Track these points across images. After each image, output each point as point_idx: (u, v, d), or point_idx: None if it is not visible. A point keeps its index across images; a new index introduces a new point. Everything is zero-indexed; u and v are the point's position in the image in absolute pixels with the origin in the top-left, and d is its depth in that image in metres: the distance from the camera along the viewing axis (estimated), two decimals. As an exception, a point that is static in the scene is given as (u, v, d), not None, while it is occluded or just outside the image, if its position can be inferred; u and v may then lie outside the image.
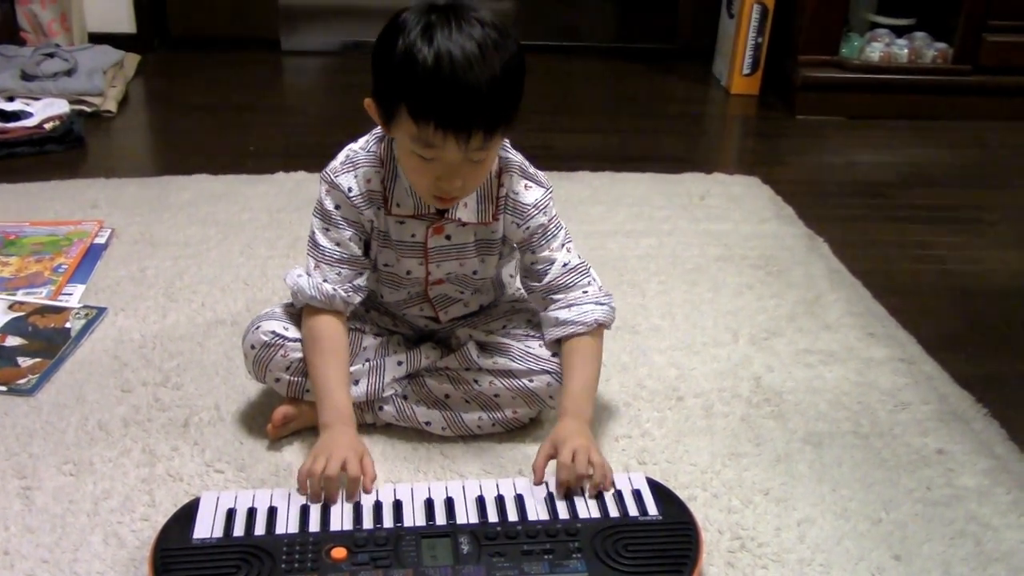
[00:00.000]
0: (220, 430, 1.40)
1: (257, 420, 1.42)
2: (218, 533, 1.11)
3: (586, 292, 1.36)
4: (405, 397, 1.39)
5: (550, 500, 1.18)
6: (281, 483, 1.29)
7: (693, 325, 1.75)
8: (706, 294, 1.86)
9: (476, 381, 1.37)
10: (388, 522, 1.14)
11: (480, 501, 1.17)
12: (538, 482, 1.21)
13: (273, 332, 1.35)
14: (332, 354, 1.30)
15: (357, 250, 1.33)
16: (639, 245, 2.05)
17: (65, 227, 1.98)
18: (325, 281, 1.31)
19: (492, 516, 1.15)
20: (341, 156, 1.32)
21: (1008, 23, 2.95)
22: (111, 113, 2.75)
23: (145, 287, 1.80)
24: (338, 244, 1.31)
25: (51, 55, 2.78)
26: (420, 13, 1.14)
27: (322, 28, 3.70)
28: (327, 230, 1.31)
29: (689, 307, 1.81)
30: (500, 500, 1.18)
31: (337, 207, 1.30)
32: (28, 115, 2.51)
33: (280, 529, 1.12)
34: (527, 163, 1.34)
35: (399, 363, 1.39)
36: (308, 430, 1.38)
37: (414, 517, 1.15)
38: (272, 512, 1.14)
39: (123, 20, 3.28)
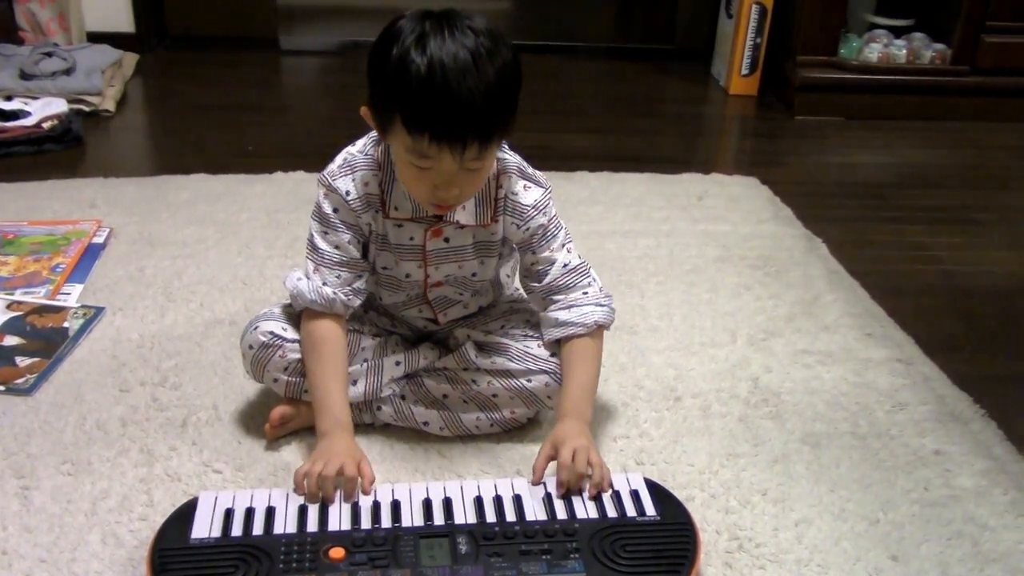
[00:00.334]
0: (218, 430, 1.40)
1: (255, 420, 1.42)
2: (216, 533, 1.11)
3: (586, 293, 1.35)
4: (403, 397, 1.39)
5: (548, 500, 1.18)
6: (279, 483, 1.29)
7: (691, 325, 1.75)
8: (704, 294, 1.86)
9: (474, 381, 1.37)
10: (386, 522, 1.14)
11: (478, 501, 1.17)
12: (536, 483, 1.21)
13: (271, 332, 1.35)
14: (331, 361, 1.30)
15: (356, 253, 1.32)
16: (637, 245, 2.05)
17: (63, 226, 1.98)
18: (325, 284, 1.30)
19: (490, 516, 1.15)
20: (339, 159, 1.31)
21: (1006, 24, 2.95)
22: (109, 112, 2.75)
23: (143, 287, 1.80)
24: (337, 247, 1.31)
25: (49, 54, 2.77)
26: (415, 21, 1.13)
27: (321, 28, 3.70)
28: (326, 233, 1.31)
29: (687, 307, 1.81)
30: (498, 500, 1.18)
31: (335, 210, 1.30)
32: (26, 114, 2.51)
33: (278, 529, 1.12)
34: (525, 163, 1.34)
35: (397, 363, 1.39)
36: (306, 430, 1.38)
37: (412, 517, 1.15)
38: (270, 512, 1.14)
39: (122, 19, 3.28)
